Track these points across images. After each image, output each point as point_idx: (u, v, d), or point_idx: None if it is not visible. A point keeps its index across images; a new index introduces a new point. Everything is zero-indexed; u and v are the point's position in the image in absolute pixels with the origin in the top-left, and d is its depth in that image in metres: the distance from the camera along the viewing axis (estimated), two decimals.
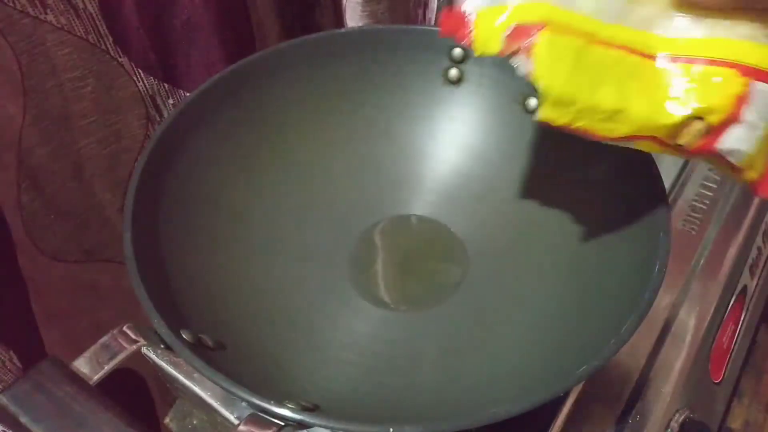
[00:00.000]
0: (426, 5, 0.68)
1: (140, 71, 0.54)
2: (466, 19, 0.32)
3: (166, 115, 0.58)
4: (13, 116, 0.50)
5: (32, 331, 0.58)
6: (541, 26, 0.30)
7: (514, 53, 0.30)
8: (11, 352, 0.55)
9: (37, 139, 0.52)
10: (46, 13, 0.47)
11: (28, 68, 0.49)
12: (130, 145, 0.57)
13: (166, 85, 0.57)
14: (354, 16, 0.63)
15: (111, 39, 0.52)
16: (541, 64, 0.30)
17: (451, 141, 0.51)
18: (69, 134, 0.54)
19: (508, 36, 0.30)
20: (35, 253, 0.56)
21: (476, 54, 0.32)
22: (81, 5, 0.49)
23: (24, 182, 0.53)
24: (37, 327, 0.58)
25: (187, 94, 0.57)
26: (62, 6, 0.48)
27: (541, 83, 0.30)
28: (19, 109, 0.50)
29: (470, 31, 0.32)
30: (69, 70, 0.51)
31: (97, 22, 0.50)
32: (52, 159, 0.54)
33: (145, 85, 0.55)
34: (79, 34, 0.50)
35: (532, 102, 0.48)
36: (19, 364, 0.56)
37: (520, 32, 0.30)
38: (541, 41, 0.30)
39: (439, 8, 0.66)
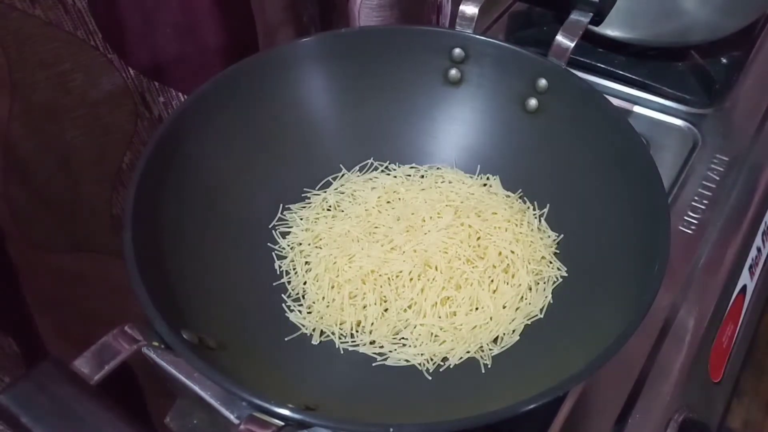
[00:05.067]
0: (440, 10, 0.68)
1: (130, 69, 0.54)
2: None
3: (155, 111, 0.58)
4: (0, 109, 0.50)
5: (27, 318, 0.58)
6: None
7: None
8: (9, 339, 0.55)
9: (24, 132, 0.52)
10: (34, 8, 0.47)
11: (15, 61, 0.48)
12: (118, 139, 0.57)
13: (156, 84, 0.56)
14: (367, 21, 0.63)
15: (100, 36, 0.51)
16: None
17: (451, 141, 0.51)
18: (56, 127, 0.53)
19: None
20: (24, 243, 0.56)
21: None
22: (70, 1, 0.48)
23: (11, 174, 0.53)
24: (31, 314, 0.58)
25: (179, 93, 0.57)
26: (50, 1, 0.48)
27: None
28: (6, 102, 0.50)
29: None
30: (57, 64, 0.50)
31: (86, 18, 0.50)
32: (39, 151, 0.53)
33: (134, 82, 0.55)
34: (67, 29, 0.49)
35: (532, 102, 0.49)
36: (17, 349, 0.56)
37: None
38: None
39: (453, 14, 0.66)
